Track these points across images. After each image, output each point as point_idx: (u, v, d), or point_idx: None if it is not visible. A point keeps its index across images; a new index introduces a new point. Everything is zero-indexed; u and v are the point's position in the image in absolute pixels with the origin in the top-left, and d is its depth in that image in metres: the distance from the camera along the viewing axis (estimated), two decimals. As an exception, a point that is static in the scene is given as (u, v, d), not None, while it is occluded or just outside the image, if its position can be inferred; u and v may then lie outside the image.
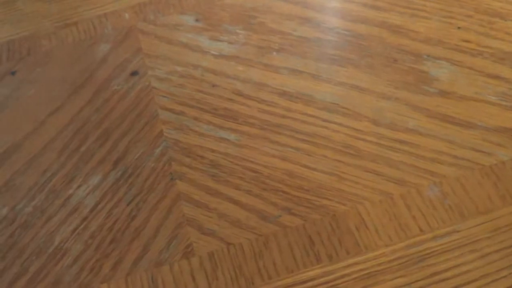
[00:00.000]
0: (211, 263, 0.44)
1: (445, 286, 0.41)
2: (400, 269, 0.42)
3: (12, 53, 0.61)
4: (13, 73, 0.59)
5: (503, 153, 0.47)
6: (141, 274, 0.44)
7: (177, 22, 0.62)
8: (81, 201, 0.49)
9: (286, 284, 0.42)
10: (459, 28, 0.57)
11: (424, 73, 0.54)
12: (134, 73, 0.58)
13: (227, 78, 0.56)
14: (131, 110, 0.54)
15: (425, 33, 0.57)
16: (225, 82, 0.55)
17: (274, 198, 0.47)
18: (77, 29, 0.63)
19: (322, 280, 0.42)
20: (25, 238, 0.47)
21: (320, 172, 0.48)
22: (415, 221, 0.44)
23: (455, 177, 0.47)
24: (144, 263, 0.45)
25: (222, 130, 0.52)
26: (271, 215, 0.46)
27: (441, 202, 0.45)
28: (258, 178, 0.48)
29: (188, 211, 0.47)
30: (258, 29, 0.60)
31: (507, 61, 0.54)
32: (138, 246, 0.46)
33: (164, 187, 0.49)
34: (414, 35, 0.57)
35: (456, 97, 0.52)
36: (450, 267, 0.42)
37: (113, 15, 0.64)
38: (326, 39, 0.58)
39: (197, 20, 0.62)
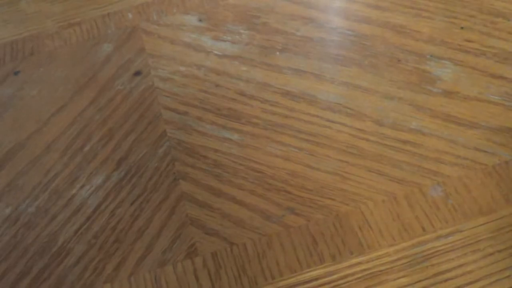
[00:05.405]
0: (214, 263, 0.44)
1: (448, 286, 0.41)
2: (403, 269, 0.42)
3: (16, 53, 0.62)
4: (16, 73, 0.59)
5: (506, 153, 0.47)
6: (144, 274, 0.44)
7: (181, 22, 0.62)
8: (84, 201, 0.49)
9: (289, 284, 0.43)
10: (462, 28, 0.57)
11: (427, 73, 0.54)
12: (137, 73, 0.58)
13: (230, 78, 0.56)
14: (134, 110, 0.55)
15: (428, 33, 0.57)
16: (228, 82, 0.55)
17: (277, 198, 0.47)
18: (81, 29, 0.63)
19: (325, 280, 0.42)
20: (28, 238, 0.47)
21: (323, 172, 0.48)
22: (418, 221, 0.44)
23: (458, 177, 0.46)
24: (147, 263, 0.45)
25: (225, 130, 0.52)
26: (274, 215, 0.46)
27: (444, 202, 0.45)
28: (262, 178, 0.48)
29: (192, 211, 0.47)
30: (261, 29, 0.60)
31: (510, 61, 0.54)
32: (141, 246, 0.46)
33: (167, 187, 0.49)
34: (417, 35, 0.57)
35: (459, 97, 0.52)
36: (453, 267, 0.42)
37: (116, 15, 0.64)
38: (330, 39, 0.58)
39: (200, 20, 0.62)
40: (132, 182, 0.50)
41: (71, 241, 0.47)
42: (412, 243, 0.43)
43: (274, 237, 0.45)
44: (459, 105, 0.51)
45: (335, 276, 0.42)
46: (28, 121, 0.55)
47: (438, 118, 0.50)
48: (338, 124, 0.51)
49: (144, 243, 0.46)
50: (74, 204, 0.49)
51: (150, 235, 0.46)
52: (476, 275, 0.41)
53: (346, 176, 0.48)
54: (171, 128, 0.53)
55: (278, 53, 0.57)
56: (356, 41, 0.57)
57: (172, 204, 0.48)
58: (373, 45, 0.57)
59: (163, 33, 0.61)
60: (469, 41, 0.56)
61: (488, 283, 0.41)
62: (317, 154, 0.49)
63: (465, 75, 0.53)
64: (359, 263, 0.43)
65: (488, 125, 0.49)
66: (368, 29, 0.58)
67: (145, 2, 0.64)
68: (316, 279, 0.43)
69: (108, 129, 0.53)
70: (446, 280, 0.41)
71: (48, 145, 0.53)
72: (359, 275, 0.42)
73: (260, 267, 0.44)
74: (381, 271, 0.42)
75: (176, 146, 0.51)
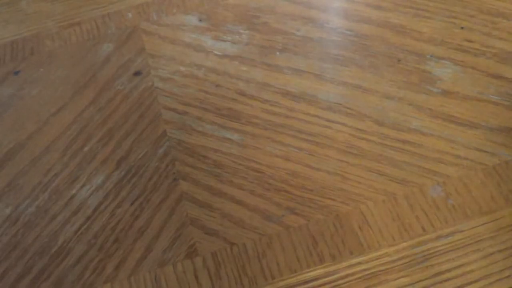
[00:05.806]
0: (214, 263, 0.44)
1: (448, 286, 0.41)
2: (403, 269, 0.42)
3: (16, 53, 0.62)
4: (16, 73, 0.59)
5: (506, 153, 0.47)
6: (144, 274, 0.44)
7: (181, 22, 0.62)
8: (84, 201, 0.49)
9: (289, 284, 0.43)
10: (462, 28, 0.57)
11: (427, 73, 0.54)
12: (137, 73, 0.58)
13: (230, 78, 0.56)
14: (134, 110, 0.55)
15: (428, 33, 0.57)
16: (229, 82, 0.55)
17: (277, 198, 0.47)
18: (81, 29, 0.63)
19: (325, 280, 0.42)
20: (28, 238, 0.47)
21: (323, 172, 0.48)
22: (418, 221, 0.44)
23: (458, 177, 0.46)
24: (147, 263, 0.45)
25: (225, 130, 0.52)
26: (274, 215, 0.46)
27: (444, 202, 0.45)
28: (262, 178, 0.48)
29: (192, 211, 0.47)
30: (261, 29, 0.60)
31: (510, 61, 0.54)
32: (141, 246, 0.46)
33: (167, 187, 0.49)
34: (417, 35, 0.57)
35: (459, 97, 0.52)
36: (454, 267, 0.42)
37: (116, 15, 0.64)
38: (330, 39, 0.58)
39: (200, 20, 0.62)
40: (132, 182, 0.50)
41: (71, 241, 0.47)
42: (412, 243, 0.43)
43: (274, 237, 0.45)
44: (459, 105, 0.51)
45: (335, 276, 0.42)
46: (28, 121, 0.55)
47: (438, 118, 0.50)
48: (338, 124, 0.51)
49: (144, 243, 0.46)
50: (74, 204, 0.49)
51: (150, 235, 0.46)
52: (476, 275, 0.41)
53: (346, 176, 0.48)
54: (171, 128, 0.53)
55: (278, 53, 0.57)
56: (356, 41, 0.57)
57: (172, 204, 0.48)
58: (373, 45, 0.57)
59: (163, 33, 0.61)
60: (469, 41, 0.56)
61: (488, 283, 0.41)
62: (317, 154, 0.49)
63: (465, 75, 0.53)
64: (359, 263, 0.43)
65: (488, 125, 0.49)
66: (368, 29, 0.58)
67: (145, 2, 0.64)
68: (316, 279, 0.43)
69: (108, 129, 0.53)
70: (446, 280, 0.41)
71: (48, 145, 0.53)
72: (359, 275, 0.42)
73: (260, 267, 0.44)
74: (381, 271, 0.42)
75: (176, 146, 0.51)
